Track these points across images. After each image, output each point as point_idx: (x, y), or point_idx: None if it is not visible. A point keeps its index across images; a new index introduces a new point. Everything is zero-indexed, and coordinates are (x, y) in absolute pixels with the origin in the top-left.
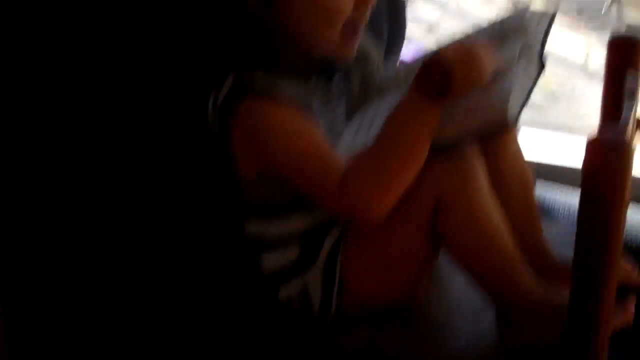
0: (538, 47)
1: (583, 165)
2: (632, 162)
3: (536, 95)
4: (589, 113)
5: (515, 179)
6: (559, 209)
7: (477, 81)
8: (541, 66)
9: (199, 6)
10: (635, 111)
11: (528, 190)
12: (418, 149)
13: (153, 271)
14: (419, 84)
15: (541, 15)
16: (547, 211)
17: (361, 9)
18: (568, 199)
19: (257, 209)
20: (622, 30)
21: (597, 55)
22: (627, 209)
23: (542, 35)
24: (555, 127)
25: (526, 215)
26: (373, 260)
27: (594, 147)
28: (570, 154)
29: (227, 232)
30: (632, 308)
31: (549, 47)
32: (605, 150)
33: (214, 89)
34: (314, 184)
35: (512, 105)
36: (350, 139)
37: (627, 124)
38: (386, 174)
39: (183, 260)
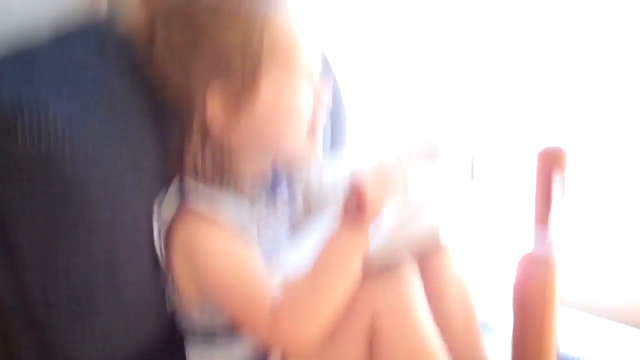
0: (470, 168)
1: (514, 281)
2: (558, 277)
3: None
4: None
5: (453, 292)
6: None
7: (390, 195)
8: (471, 184)
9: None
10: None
11: (467, 304)
12: (346, 274)
13: None
14: (341, 209)
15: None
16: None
17: (318, 110)
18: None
19: (199, 335)
20: None
21: None
22: (557, 320)
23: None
24: None
25: (466, 330)
26: None
27: (524, 263)
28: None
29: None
30: None
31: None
32: (534, 266)
33: (159, 196)
34: (245, 310)
35: (442, 225)
36: (290, 253)
37: (554, 239)
38: (316, 304)
39: None
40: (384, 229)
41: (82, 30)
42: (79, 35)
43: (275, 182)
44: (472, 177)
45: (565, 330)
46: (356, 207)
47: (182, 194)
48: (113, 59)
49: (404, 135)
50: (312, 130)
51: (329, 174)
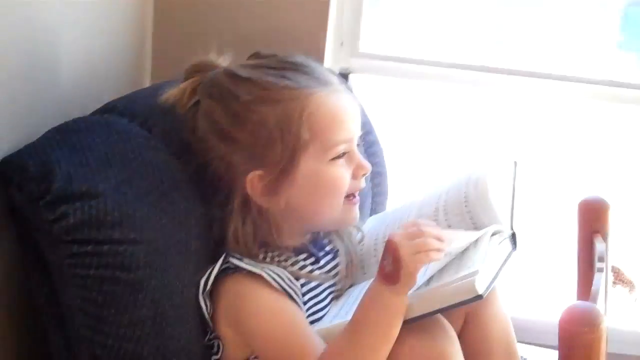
0: (510, 224)
1: (560, 336)
2: (605, 332)
3: None
4: None
5: (498, 344)
6: None
7: (426, 258)
8: (514, 245)
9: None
10: (607, 277)
11: (512, 355)
12: (385, 332)
13: None
14: (379, 268)
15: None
16: None
17: (358, 180)
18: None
19: None
20: None
21: None
22: None
23: (510, 213)
24: None
25: None
26: None
27: (569, 319)
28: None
29: None
30: None
31: None
32: (579, 318)
33: (208, 270)
34: None
35: (482, 278)
36: (334, 314)
37: (597, 294)
38: None
39: None
40: (421, 282)
41: (127, 101)
42: (125, 109)
43: (318, 242)
44: (512, 227)
45: None
46: (392, 267)
47: (226, 264)
48: (159, 136)
49: (441, 186)
50: (352, 197)
51: (370, 234)
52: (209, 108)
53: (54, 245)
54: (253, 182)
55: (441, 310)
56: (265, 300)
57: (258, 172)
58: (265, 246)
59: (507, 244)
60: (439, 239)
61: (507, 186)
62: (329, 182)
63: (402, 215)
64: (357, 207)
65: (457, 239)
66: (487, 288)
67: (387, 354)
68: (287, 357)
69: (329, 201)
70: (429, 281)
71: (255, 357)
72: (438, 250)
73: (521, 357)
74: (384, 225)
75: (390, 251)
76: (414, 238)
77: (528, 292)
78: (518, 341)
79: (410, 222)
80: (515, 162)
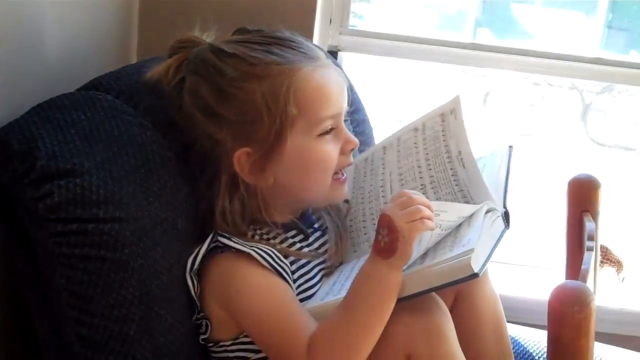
0: (502, 203)
1: (549, 315)
2: (594, 312)
3: None
4: None
5: (488, 322)
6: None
7: (422, 226)
8: (507, 223)
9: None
10: (597, 256)
11: (501, 333)
12: (380, 309)
13: None
14: (373, 244)
15: (501, 158)
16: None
17: (346, 154)
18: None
19: None
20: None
21: None
22: (592, 354)
23: (503, 187)
24: None
25: (500, 359)
26: None
27: (558, 298)
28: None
29: None
30: None
31: None
32: (568, 296)
33: (196, 249)
34: (281, 347)
35: (478, 257)
36: (325, 291)
37: (587, 274)
38: (352, 338)
39: None
40: (416, 257)
41: (113, 78)
42: (111, 86)
43: (307, 219)
44: (505, 206)
45: None
46: (389, 240)
47: (215, 243)
48: (145, 113)
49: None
50: (340, 173)
51: (361, 210)
52: (195, 85)
53: (38, 224)
54: (240, 159)
55: (436, 289)
56: (255, 279)
57: (245, 149)
58: (253, 224)
59: (500, 222)
60: (429, 207)
61: (501, 168)
62: (317, 158)
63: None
64: (345, 185)
65: (449, 209)
66: (482, 266)
67: (381, 331)
68: (279, 335)
69: (317, 177)
70: (423, 258)
71: (245, 336)
72: (430, 217)
73: (511, 336)
74: (367, 202)
75: (385, 224)
76: (406, 207)
77: (518, 272)
78: (508, 321)
79: (398, 193)
80: (511, 147)
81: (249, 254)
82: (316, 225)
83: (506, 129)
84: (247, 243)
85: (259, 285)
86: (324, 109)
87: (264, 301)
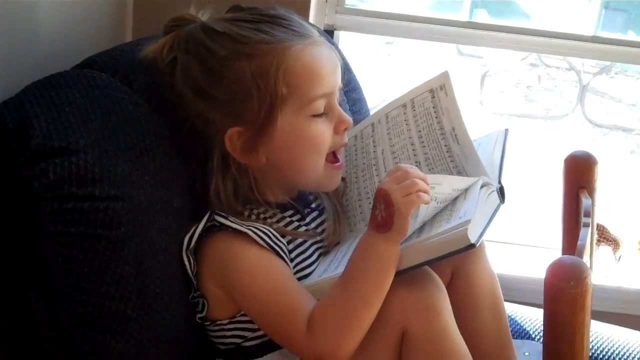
0: (497, 179)
1: (545, 291)
2: (590, 287)
3: None
4: None
5: (485, 299)
6: (529, 326)
7: (418, 199)
8: (502, 198)
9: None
10: (593, 232)
11: (499, 310)
12: (379, 283)
13: None
14: (370, 219)
15: (496, 138)
16: (517, 328)
17: (340, 134)
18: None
19: (229, 353)
20: None
21: None
22: (589, 330)
23: (498, 165)
24: None
25: (497, 334)
26: None
27: (554, 273)
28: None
29: None
30: None
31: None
32: (564, 272)
33: (192, 228)
34: (281, 325)
35: (474, 228)
36: (323, 269)
37: (583, 249)
38: (353, 314)
39: None
40: (413, 230)
41: (108, 56)
42: (106, 64)
43: (304, 198)
44: (500, 182)
45: None
46: (385, 214)
47: (211, 222)
48: (140, 91)
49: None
50: (333, 155)
51: (355, 189)
52: (186, 63)
53: (33, 203)
54: (232, 138)
55: (433, 261)
56: (252, 258)
57: (236, 129)
58: (249, 203)
59: (495, 196)
60: (425, 180)
61: (496, 149)
62: (308, 137)
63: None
64: (340, 172)
65: (443, 182)
66: (479, 237)
67: (379, 305)
68: (277, 313)
69: (310, 158)
70: (420, 231)
71: (242, 315)
72: (426, 190)
73: (508, 314)
74: (362, 181)
75: (381, 198)
76: (402, 181)
77: (515, 251)
78: (505, 300)
79: (394, 168)
80: (507, 130)
81: (245, 233)
82: (313, 205)
83: (503, 111)
84: (244, 222)
85: (256, 264)
86: (315, 88)
87: (261, 280)
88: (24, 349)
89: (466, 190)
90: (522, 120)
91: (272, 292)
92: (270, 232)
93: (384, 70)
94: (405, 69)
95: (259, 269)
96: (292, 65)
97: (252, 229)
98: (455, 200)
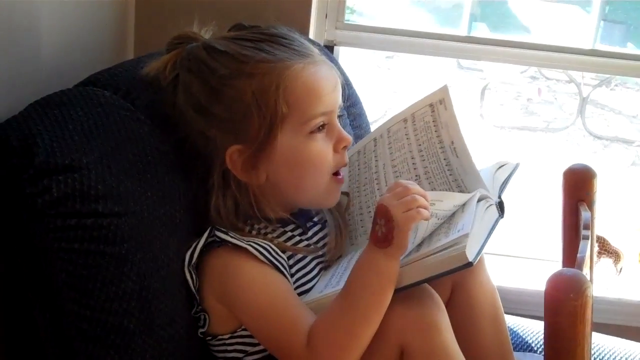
0: (497, 194)
1: (545, 303)
2: (591, 299)
3: None
4: None
5: (486, 312)
6: (530, 340)
7: (418, 215)
8: (501, 212)
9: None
10: (593, 245)
11: (500, 323)
12: (378, 299)
13: None
14: (371, 234)
15: (503, 165)
16: (518, 341)
17: (340, 153)
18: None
19: None
20: None
21: None
22: (590, 342)
23: (500, 183)
24: None
25: (498, 347)
26: None
27: (554, 286)
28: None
29: None
30: None
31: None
32: (564, 284)
33: (194, 243)
34: (280, 341)
35: (472, 246)
36: (324, 284)
37: (582, 262)
38: (351, 327)
39: None
40: (412, 247)
41: (110, 74)
42: (108, 82)
43: (305, 213)
44: (499, 196)
45: None
46: (385, 229)
47: (212, 238)
48: (142, 108)
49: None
50: (335, 173)
51: (357, 202)
52: (187, 82)
53: (37, 220)
54: (232, 156)
55: (431, 279)
56: (252, 274)
57: (237, 147)
58: (250, 219)
59: (494, 210)
60: (425, 197)
61: (504, 170)
62: (308, 156)
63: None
64: (340, 187)
65: (444, 199)
66: (477, 255)
67: (379, 321)
68: (278, 329)
69: (309, 177)
70: (419, 247)
71: (243, 330)
72: (426, 207)
73: (509, 327)
74: (364, 195)
75: (382, 213)
76: (402, 197)
77: (515, 264)
78: (505, 312)
79: (394, 184)
80: (518, 164)
81: (245, 248)
82: (315, 219)
83: (503, 123)
84: (244, 238)
85: (256, 279)
86: (314, 106)
87: (261, 295)
88: None
89: (464, 204)
90: (522, 133)
91: (271, 307)
92: (271, 248)
93: (385, 84)
94: (406, 83)
95: (258, 284)
96: (292, 84)
97: (252, 244)
98: (453, 215)
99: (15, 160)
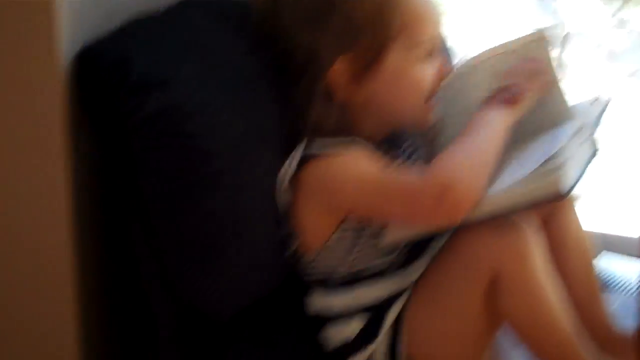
0: (592, 128)
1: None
2: None
3: None
4: None
5: (575, 250)
6: (620, 280)
7: (546, 88)
8: (595, 147)
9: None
10: None
11: (588, 261)
12: (493, 142)
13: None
14: (491, 98)
15: (596, 100)
16: (608, 282)
17: (438, 80)
18: (630, 269)
19: (320, 284)
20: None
21: None
22: None
23: (595, 117)
24: None
25: (587, 287)
26: (434, 333)
27: None
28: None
29: (289, 311)
30: None
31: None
32: None
33: (287, 161)
34: (405, 197)
35: (566, 178)
36: None
37: None
38: (470, 161)
39: (243, 339)
40: (507, 177)
41: None
42: (201, 1)
43: (396, 140)
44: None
45: None
46: (515, 93)
47: (308, 150)
48: (235, 25)
49: None
50: (428, 99)
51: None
52: None
53: (131, 136)
54: (338, 71)
55: (522, 206)
56: (353, 166)
57: (344, 62)
58: (344, 137)
59: (589, 145)
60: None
61: (594, 113)
62: (413, 78)
63: None
64: (432, 110)
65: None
66: (570, 188)
67: (494, 164)
68: (395, 191)
69: (409, 100)
70: (512, 172)
71: (329, 246)
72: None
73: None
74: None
75: (519, 76)
76: (534, 72)
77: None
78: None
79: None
80: (610, 100)
81: (342, 152)
82: (403, 149)
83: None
84: (340, 144)
85: (358, 168)
86: (426, 29)
87: (369, 177)
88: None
89: (559, 129)
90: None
91: (382, 181)
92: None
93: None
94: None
95: (362, 171)
96: (409, 3)
97: (350, 147)
98: (547, 137)
99: (111, 76)
